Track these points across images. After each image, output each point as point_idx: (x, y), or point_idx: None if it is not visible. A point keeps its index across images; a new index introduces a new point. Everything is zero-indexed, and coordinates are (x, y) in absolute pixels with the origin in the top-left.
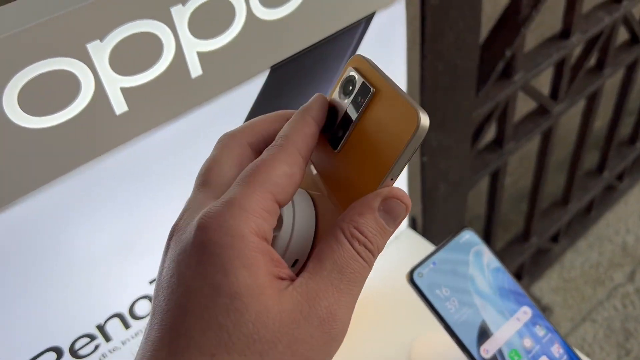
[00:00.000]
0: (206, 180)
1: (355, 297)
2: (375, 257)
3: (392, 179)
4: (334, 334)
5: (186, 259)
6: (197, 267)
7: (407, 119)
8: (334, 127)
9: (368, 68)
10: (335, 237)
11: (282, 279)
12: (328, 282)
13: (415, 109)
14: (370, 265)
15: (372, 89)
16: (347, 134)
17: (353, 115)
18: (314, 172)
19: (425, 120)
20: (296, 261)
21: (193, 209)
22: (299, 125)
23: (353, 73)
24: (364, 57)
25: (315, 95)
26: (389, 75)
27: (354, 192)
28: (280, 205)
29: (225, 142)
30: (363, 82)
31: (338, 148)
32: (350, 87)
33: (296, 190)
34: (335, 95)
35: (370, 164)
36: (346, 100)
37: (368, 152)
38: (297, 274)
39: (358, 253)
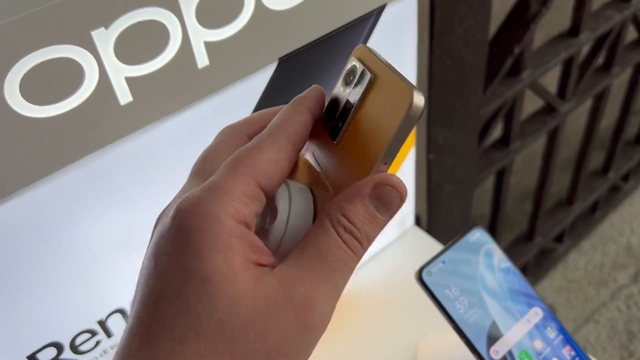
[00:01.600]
0: (200, 168)
1: (338, 287)
2: (363, 246)
3: (385, 164)
4: (310, 323)
5: (164, 243)
6: (172, 251)
7: (400, 99)
8: (335, 119)
9: (370, 57)
10: (320, 224)
11: (262, 265)
12: (308, 269)
13: (409, 88)
14: (357, 255)
15: (370, 74)
16: (345, 123)
17: (353, 103)
18: (319, 168)
19: (418, 99)
20: None
21: (179, 196)
22: (289, 114)
23: (355, 63)
24: (367, 47)
25: (312, 86)
26: (395, 66)
27: (349, 180)
28: (265, 192)
29: (226, 132)
30: (363, 69)
31: (337, 139)
32: (352, 77)
33: (283, 177)
34: (337, 87)
35: (365, 150)
36: (347, 90)
37: (364, 138)
38: None
39: (344, 241)
